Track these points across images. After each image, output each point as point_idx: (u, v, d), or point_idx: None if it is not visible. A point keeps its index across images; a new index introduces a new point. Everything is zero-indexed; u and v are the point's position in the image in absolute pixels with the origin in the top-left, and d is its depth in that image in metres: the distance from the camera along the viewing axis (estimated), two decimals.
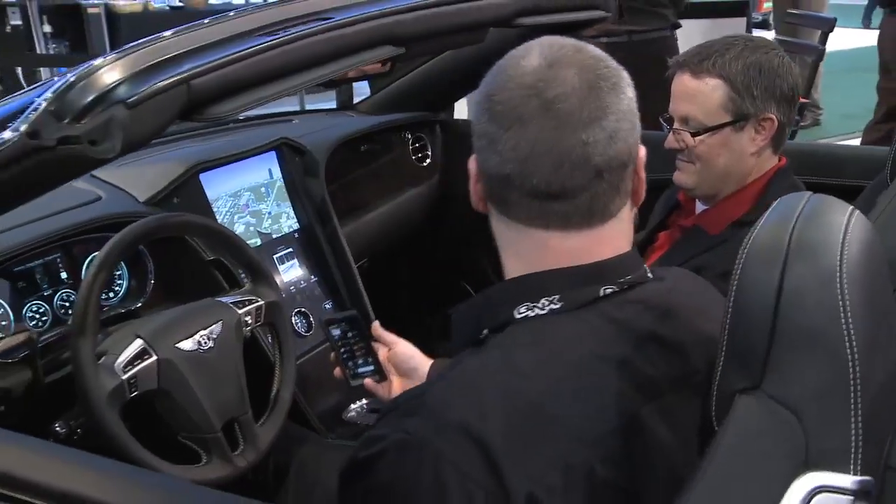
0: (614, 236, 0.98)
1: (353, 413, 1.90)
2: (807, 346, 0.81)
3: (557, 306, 0.94)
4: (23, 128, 0.93)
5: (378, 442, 0.88)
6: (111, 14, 6.74)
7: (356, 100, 2.74)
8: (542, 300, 0.95)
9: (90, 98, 0.93)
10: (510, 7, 1.55)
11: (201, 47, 1.04)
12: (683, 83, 1.65)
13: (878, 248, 0.88)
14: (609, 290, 0.96)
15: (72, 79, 0.95)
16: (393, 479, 0.87)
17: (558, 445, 0.86)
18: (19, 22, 6.77)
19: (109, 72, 0.96)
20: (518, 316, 0.95)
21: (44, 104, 0.93)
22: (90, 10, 6.74)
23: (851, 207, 0.90)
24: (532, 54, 0.94)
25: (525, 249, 0.97)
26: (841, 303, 0.80)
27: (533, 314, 0.95)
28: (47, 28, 6.80)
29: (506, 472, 0.83)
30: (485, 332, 0.97)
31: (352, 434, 1.87)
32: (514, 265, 0.99)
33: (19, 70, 6.94)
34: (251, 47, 1.05)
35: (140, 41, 1.03)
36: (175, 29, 1.08)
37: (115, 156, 0.93)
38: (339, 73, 1.18)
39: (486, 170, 0.95)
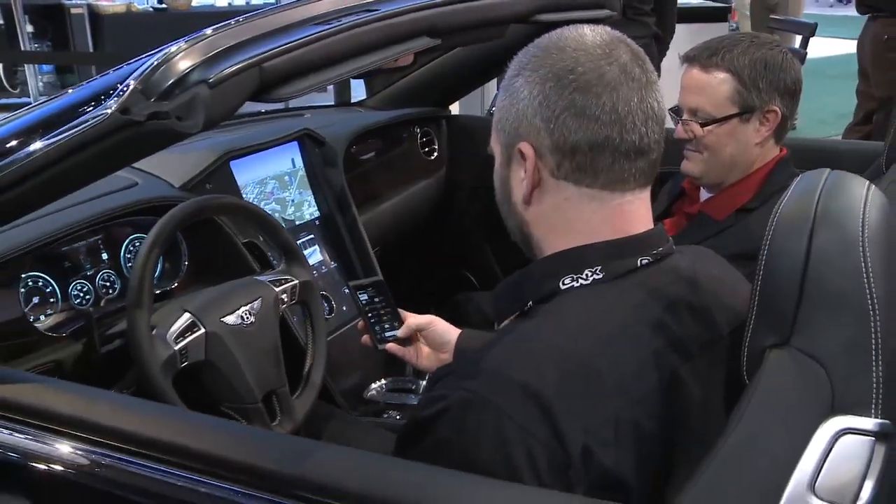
0: (648, 208, 1.07)
1: (373, 392, 1.97)
2: (833, 305, 0.89)
3: (600, 276, 1.02)
4: (114, 105, 1.01)
5: (439, 401, 0.93)
6: (94, 14, 6.70)
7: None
8: (586, 271, 1.02)
9: (175, 78, 1.00)
10: (532, 4, 1.63)
11: (267, 33, 1.11)
12: (693, 76, 1.74)
13: (893, 218, 0.96)
14: (645, 261, 1.04)
15: (155, 62, 1.02)
16: (455, 436, 0.91)
17: (609, 401, 0.92)
18: (1, 21, 6.76)
19: (188, 56, 1.02)
20: (563, 287, 1.02)
21: (132, 84, 1.01)
22: (73, 11, 6.71)
23: (868, 182, 0.98)
24: (584, 32, 1.03)
25: (588, 221, 1.03)
26: (864, 265, 0.88)
27: (578, 284, 1.02)
28: (30, 28, 6.79)
29: (563, 426, 0.88)
30: (530, 303, 1.04)
31: (373, 411, 1.94)
32: (559, 242, 1.05)
33: (0, 67, 6.96)
34: (313, 34, 1.12)
35: (205, 29, 1.10)
36: (236, 18, 1.15)
37: (198, 131, 1.00)
38: (386, 60, 1.26)
39: (569, 143, 0.99)
